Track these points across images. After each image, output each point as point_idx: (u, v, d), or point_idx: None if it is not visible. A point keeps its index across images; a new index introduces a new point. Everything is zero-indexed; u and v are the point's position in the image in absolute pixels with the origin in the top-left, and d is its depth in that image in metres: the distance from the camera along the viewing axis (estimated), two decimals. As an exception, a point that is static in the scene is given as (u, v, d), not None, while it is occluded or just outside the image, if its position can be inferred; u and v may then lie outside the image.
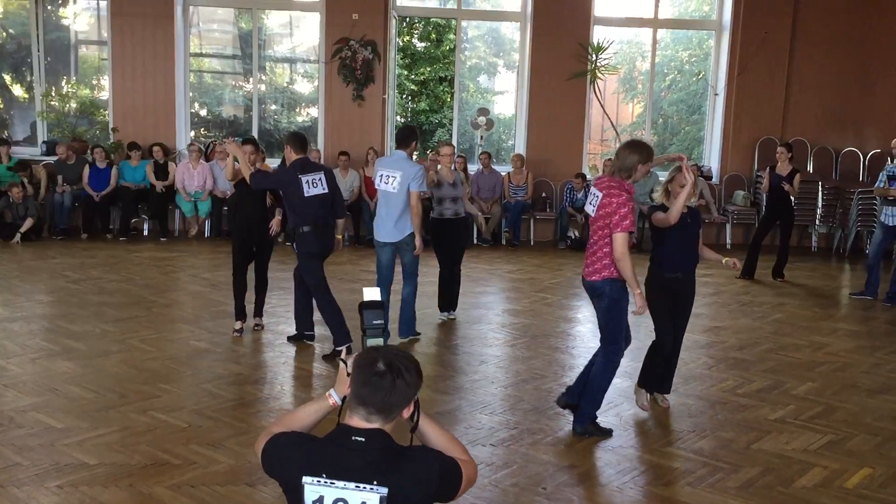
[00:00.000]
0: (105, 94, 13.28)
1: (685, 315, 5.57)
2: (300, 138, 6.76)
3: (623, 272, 4.87)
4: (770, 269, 10.26)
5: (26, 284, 8.72)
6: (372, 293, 2.76)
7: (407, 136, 6.88)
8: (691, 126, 16.64)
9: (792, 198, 10.04)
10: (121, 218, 11.88)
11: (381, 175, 6.81)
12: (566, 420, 5.33)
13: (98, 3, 13.84)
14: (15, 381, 5.69)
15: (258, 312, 7.35)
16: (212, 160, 12.28)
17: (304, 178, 6.58)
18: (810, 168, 12.95)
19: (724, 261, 5.48)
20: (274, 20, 14.40)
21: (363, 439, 2.31)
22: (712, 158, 13.49)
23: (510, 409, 5.53)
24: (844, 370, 6.61)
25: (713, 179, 13.21)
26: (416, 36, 18.13)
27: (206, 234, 12.27)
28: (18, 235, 11.05)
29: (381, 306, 2.74)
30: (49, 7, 13.38)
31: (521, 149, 13.19)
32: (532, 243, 12.63)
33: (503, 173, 12.71)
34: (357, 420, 2.35)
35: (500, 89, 18.40)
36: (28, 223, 11.10)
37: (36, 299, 8.13)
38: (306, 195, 6.56)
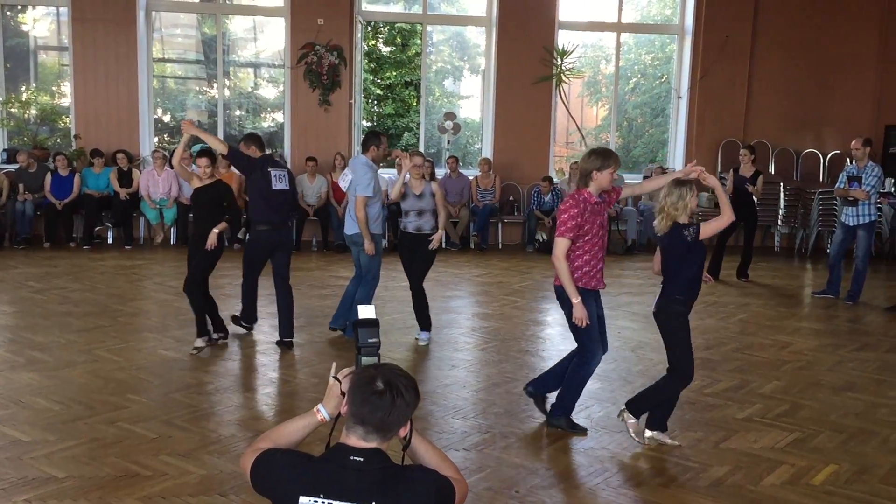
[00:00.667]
0: (66, 101, 13.11)
1: None
2: (259, 137, 7.05)
3: (559, 275, 4.98)
4: (735, 270, 10.42)
5: (-12, 295, 8.58)
6: (366, 311, 2.75)
7: (366, 140, 7.16)
8: (655, 129, 16.83)
9: (755, 199, 10.21)
10: (84, 226, 11.73)
11: (344, 175, 7.24)
12: (538, 423, 5.36)
13: (58, 9, 13.67)
14: (-22, 394, 5.59)
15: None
16: (176, 167, 12.14)
17: (272, 172, 6.78)
18: (772, 169, 13.16)
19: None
20: (238, 25, 14.32)
21: (362, 459, 2.30)
22: (676, 161, 13.65)
23: (482, 413, 5.55)
24: (809, 368, 6.73)
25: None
26: (381, 40, 18.13)
27: (172, 241, 12.15)
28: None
29: (376, 324, 2.73)
30: (8, 13, 13.17)
31: (488, 153, 13.25)
32: (500, 247, 12.68)
33: (471, 177, 12.75)
34: (354, 439, 2.34)
35: (466, 93, 18.48)
36: (-11, 230, 10.94)
37: (-2, 310, 8.01)
38: (273, 188, 6.74)
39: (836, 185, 9.65)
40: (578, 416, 5.47)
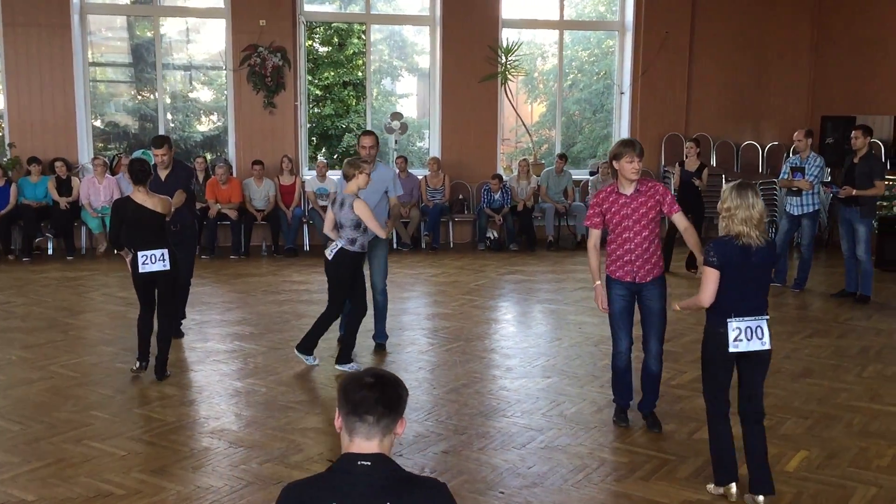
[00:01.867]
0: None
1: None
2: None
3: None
4: (684, 261, 10.61)
5: (-73, 313, 8.22)
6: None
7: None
8: (595, 124, 17.04)
9: (701, 191, 10.41)
10: (23, 237, 11.32)
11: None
12: (513, 423, 5.38)
13: None
14: (-69, 418, 5.35)
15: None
16: (118, 174, 11.84)
17: None
18: (713, 162, 13.44)
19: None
20: (171, 27, 13.98)
21: (369, 463, 2.28)
22: (621, 156, 13.81)
23: (455, 415, 5.53)
24: (767, 356, 6.88)
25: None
26: (318, 40, 17.94)
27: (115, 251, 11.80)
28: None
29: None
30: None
31: (435, 152, 13.23)
32: (451, 245, 12.68)
33: (419, 177, 12.72)
34: (358, 442, 2.31)
35: (403, 92, 18.45)
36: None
37: (-60, 328, 7.68)
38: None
39: (780, 176, 9.90)
40: (550, 414, 5.51)
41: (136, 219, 6.15)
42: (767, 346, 4.23)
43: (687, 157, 10.52)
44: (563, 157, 13.01)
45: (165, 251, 6.18)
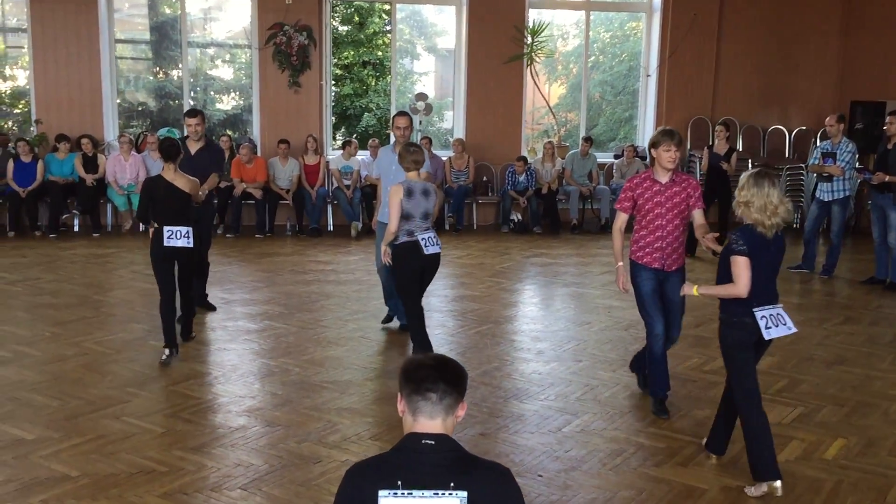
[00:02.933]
0: (17, 84, 12.68)
1: None
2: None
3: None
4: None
5: (-41, 288, 8.30)
6: None
7: None
8: (616, 107, 16.93)
9: (729, 175, 10.34)
10: (49, 214, 11.38)
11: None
12: (547, 406, 5.38)
13: None
14: (-29, 392, 5.41)
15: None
16: (143, 151, 11.87)
17: None
18: (740, 146, 13.33)
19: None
20: (196, 4, 13.94)
21: (433, 442, 2.30)
22: (645, 139, 13.71)
23: (489, 397, 5.54)
24: (798, 343, 6.84)
25: (648, 159, 13.46)
26: (337, 19, 17.88)
27: (141, 227, 11.85)
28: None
29: None
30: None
31: (459, 133, 13.19)
32: (475, 227, 12.66)
33: (444, 158, 12.69)
34: (422, 421, 2.33)
35: (421, 71, 18.39)
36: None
37: (-27, 303, 7.74)
38: None
39: (811, 162, 9.81)
40: (585, 399, 5.51)
41: (164, 196, 6.18)
42: (794, 329, 4.30)
43: (716, 141, 10.45)
44: (588, 139, 12.93)
45: (190, 229, 6.21)
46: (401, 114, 6.95)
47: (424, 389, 2.34)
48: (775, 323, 4.23)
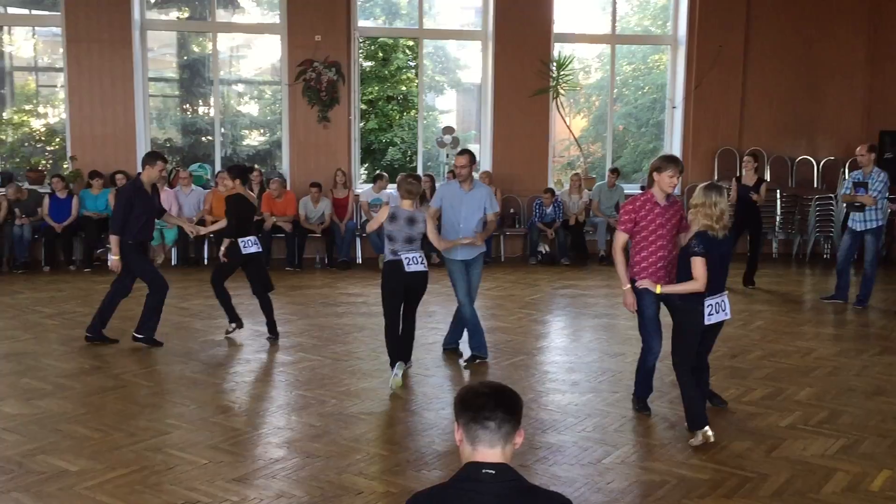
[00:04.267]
0: (52, 121, 12.94)
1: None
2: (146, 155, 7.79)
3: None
4: (741, 277, 10.49)
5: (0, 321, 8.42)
6: None
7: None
8: (640, 139, 16.99)
9: (759, 206, 10.32)
10: (84, 248, 11.55)
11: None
12: (585, 437, 5.36)
13: (34, 29, 13.51)
14: (14, 424, 5.47)
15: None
16: (175, 187, 12.05)
17: None
18: (767, 177, 13.29)
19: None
20: (223, 43, 14.21)
21: (493, 472, 2.31)
22: (673, 170, 13.73)
23: (527, 428, 5.50)
24: (837, 374, 6.79)
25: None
26: (362, 55, 18.14)
27: (173, 262, 12.01)
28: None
29: None
30: (-2, 34, 13.00)
31: (486, 166, 13.28)
32: (503, 259, 12.69)
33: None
34: (482, 450, 2.34)
35: (445, 107, 18.57)
36: (-12, 255, 10.76)
37: (13, 336, 7.84)
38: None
39: (843, 192, 9.78)
40: (622, 429, 5.49)
41: (247, 211, 7.63)
42: (729, 316, 5.28)
43: (744, 172, 10.44)
44: (615, 171, 12.97)
45: (257, 237, 7.73)
46: (461, 152, 7.11)
47: (483, 418, 2.36)
48: (717, 310, 5.13)
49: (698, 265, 4.99)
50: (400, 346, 6.51)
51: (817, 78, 13.45)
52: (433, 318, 8.48)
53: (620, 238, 5.60)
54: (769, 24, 13.25)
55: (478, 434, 2.36)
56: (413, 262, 6.41)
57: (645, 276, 5.44)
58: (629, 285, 5.54)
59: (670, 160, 5.48)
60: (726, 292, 5.19)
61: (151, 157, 7.58)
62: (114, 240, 7.37)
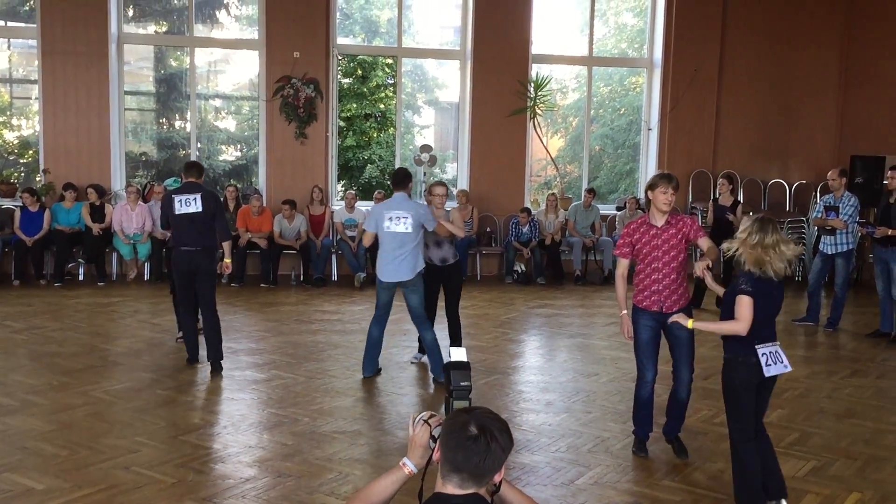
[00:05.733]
0: (25, 133, 12.82)
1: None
2: (185, 164, 7.48)
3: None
4: (715, 298, 10.56)
5: (-34, 336, 8.28)
6: (459, 353, 2.72)
7: (404, 178, 7.15)
8: (616, 160, 17.11)
9: (735, 227, 10.41)
10: (55, 263, 11.41)
11: (392, 217, 6.89)
12: (559, 457, 5.35)
13: (9, 41, 13.40)
14: (-21, 441, 5.37)
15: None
16: (150, 201, 11.95)
17: (175, 197, 7.18)
18: (740, 199, 13.44)
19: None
20: (202, 58, 14.16)
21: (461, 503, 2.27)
22: (648, 191, 13.84)
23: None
24: (808, 396, 6.85)
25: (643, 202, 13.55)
26: (341, 72, 18.15)
27: (146, 276, 11.89)
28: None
29: (468, 367, 2.69)
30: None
31: (463, 184, 13.31)
32: (479, 278, 12.70)
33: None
34: (451, 487, 2.30)
35: (422, 124, 18.61)
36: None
37: (-20, 352, 7.72)
38: (177, 213, 7.15)
39: (814, 215, 9.90)
40: (597, 451, 5.48)
41: None
42: (790, 368, 4.52)
43: (720, 194, 10.54)
44: (591, 191, 13.05)
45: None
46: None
47: (462, 469, 2.28)
48: (774, 360, 4.44)
49: (744, 305, 4.31)
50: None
51: (791, 101, 13.65)
52: (407, 337, 8.44)
53: (621, 264, 5.43)
54: (744, 48, 13.44)
55: (451, 477, 2.30)
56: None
57: (639, 298, 5.30)
58: (625, 311, 5.40)
59: (662, 177, 5.25)
60: (778, 342, 4.53)
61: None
62: (228, 245, 7.47)
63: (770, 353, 4.41)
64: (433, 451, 2.50)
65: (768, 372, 4.38)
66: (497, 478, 2.36)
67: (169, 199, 7.25)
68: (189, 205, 7.14)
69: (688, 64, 13.27)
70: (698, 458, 5.37)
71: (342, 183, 17.09)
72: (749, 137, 13.65)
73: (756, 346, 4.37)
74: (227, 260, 7.51)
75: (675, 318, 4.89)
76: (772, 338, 4.47)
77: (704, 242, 5.26)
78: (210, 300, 7.29)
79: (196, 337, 7.42)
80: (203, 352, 7.38)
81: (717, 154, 13.60)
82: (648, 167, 13.94)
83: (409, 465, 2.57)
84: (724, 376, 4.54)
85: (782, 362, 4.45)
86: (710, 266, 5.07)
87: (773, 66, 13.54)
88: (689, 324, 4.75)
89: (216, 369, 7.16)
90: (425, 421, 2.59)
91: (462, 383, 2.68)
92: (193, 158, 12.92)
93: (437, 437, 2.50)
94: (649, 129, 13.84)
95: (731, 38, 13.42)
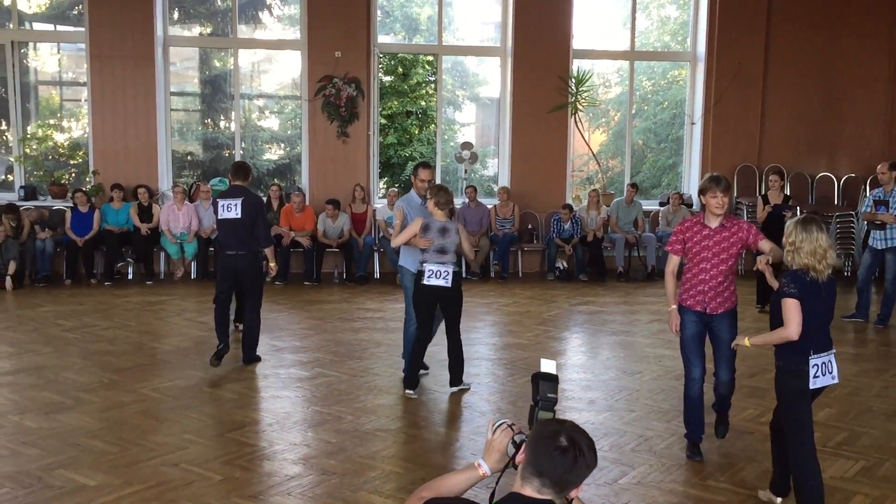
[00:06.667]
0: (75, 135, 13.12)
1: None
2: (233, 166, 7.62)
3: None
4: (755, 297, 10.40)
5: (21, 335, 8.49)
6: (548, 365, 2.74)
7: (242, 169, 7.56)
8: (659, 154, 16.92)
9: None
10: (105, 262, 11.66)
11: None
12: (601, 456, 5.33)
13: (59, 45, 13.70)
14: (34, 438, 5.53)
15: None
16: (196, 201, 12.15)
17: (220, 202, 7.35)
18: (787, 193, 13.23)
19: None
20: (245, 58, 14.33)
21: None
22: (692, 186, 13.70)
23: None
24: (857, 394, 6.73)
25: (694, 206, 13.42)
26: (382, 70, 18.22)
27: (193, 275, 12.09)
28: (9, 280, 10.80)
29: (556, 380, 2.72)
30: (23, 50, 13.18)
31: (504, 181, 13.29)
32: (520, 275, 12.68)
33: (489, 206, 12.78)
34: (530, 490, 2.33)
35: (464, 121, 18.60)
36: (12, 266, 10.86)
37: (34, 350, 7.91)
38: (220, 217, 7.34)
39: (863, 209, 9.70)
40: (639, 448, 5.45)
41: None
42: (837, 380, 4.40)
43: (770, 190, 10.34)
44: (633, 186, 12.94)
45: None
46: (425, 165, 7.11)
47: (546, 478, 2.30)
48: (823, 372, 4.30)
49: (791, 308, 4.19)
50: (416, 366, 6.69)
51: (838, 94, 13.39)
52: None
53: (672, 261, 5.42)
54: (789, 40, 13.20)
55: (533, 482, 2.31)
56: (435, 275, 6.44)
57: (684, 297, 5.30)
58: (674, 306, 5.37)
59: (712, 180, 5.17)
60: (834, 351, 4.38)
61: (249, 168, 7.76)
62: (271, 251, 7.62)
63: (822, 363, 4.28)
64: (513, 455, 2.53)
65: (814, 384, 4.25)
66: (574, 493, 2.37)
67: (214, 203, 7.47)
68: (230, 210, 7.27)
69: (732, 57, 13.08)
70: (744, 457, 5.32)
71: (384, 180, 17.18)
72: (795, 131, 13.42)
73: (811, 357, 4.23)
74: (272, 264, 7.67)
75: (734, 343, 5.01)
76: (828, 346, 4.33)
77: (766, 245, 5.15)
78: (254, 303, 7.49)
79: (226, 327, 7.50)
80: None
81: (762, 148, 13.39)
82: (692, 161, 13.79)
83: (484, 467, 2.61)
84: (778, 385, 4.39)
85: (831, 373, 4.32)
86: (770, 262, 4.98)
87: (820, 57, 13.28)
88: (747, 342, 4.63)
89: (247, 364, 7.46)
90: (509, 425, 2.61)
91: (549, 395, 2.69)
92: (238, 158, 13.11)
93: (518, 442, 2.53)
94: (693, 123, 13.69)
95: (776, 29, 13.19)
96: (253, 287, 7.47)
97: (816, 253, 4.20)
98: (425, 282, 6.46)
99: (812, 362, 4.23)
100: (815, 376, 4.24)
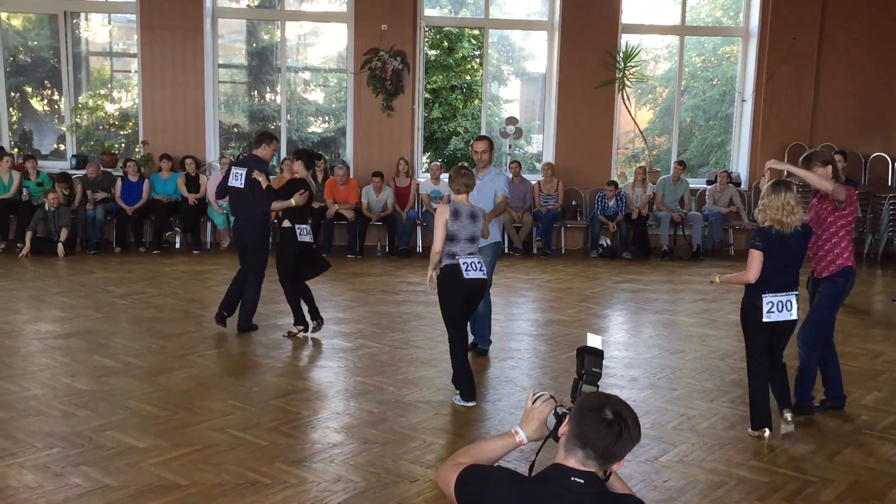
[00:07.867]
0: (125, 106, 13.31)
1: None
2: (257, 135, 7.72)
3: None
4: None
5: (72, 300, 8.70)
6: (595, 340, 2.73)
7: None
8: (707, 132, 16.65)
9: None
10: (153, 231, 11.87)
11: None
12: (643, 434, 5.30)
13: (110, 16, 13.88)
14: (85, 400, 5.67)
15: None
16: (242, 172, 12.24)
17: (232, 170, 7.47)
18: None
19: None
20: (290, 31, 14.37)
21: (582, 481, 2.30)
22: (741, 165, 13.49)
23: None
24: (906, 379, 6.61)
25: (742, 185, 13.21)
26: (427, 44, 18.13)
27: (238, 245, 12.22)
28: (61, 246, 11.04)
29: (601, 355, 2.71)
30: (74, 21, 13.37)
31: (549, 157, 13.21)
32: (563, 252, 12.63)
33: (533, 182, 12.72)
34: (573, 461, 2.33)
35: (508, 97, 18.48)
36: (64, 233, 11.10)
37: (85, 315, 8.10)
38: (228, 185, 7.47)
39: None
40: (681, 429, 5.43)
41: (308, 198, 7.41)
42: (794, 317, 5.14)
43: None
44: (681, 164, 12.77)
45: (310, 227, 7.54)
46: (480, 138, 7.04)
47: (590, 448, 2.31)
48: (778, 309, 5.07)
49: (753, 258, 5.06)
50: (470, 372, 5.90)
51: (892, 74, 13.01)
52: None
53: None
54: (844, 17, 12.85)
55: (577, 453, 2.32)
56: (472, 267, 5.79)
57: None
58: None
59: (810, 155, 5.65)
60: (796, 292, 5.08)
61: (270, 137, 7.64)
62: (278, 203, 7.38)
63: (777, 301, 5.04)
64: (556, 427, 2.52)
65: (768, 318, 5.04)
66: (616, 467, 2.37)
67: (228, 169, 7.59)
68: (236, 179, 7.37)
69: (785, 33, 12.78)
70: (787, 440, 5.26)
71: (427, 155, 17.18)
72: (849, 109, 13.10)
73: (763, 295, 5.03)
74: (291, 201, 7.27)
75: (710, 279, 5.70)
76: (790, 287, 5.07)
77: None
78: (255, 270, 7.49)
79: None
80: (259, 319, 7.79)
81: (814, 126, 13.10)
82: (742, 139, 13.56)
83: (521, 435, 2.61)
84: (741, 318, 5.29)
85: (788, 311, 5.06)
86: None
87: (876, 35, 12.91)
88: (717, 279, 5.41)
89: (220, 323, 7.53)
90: (552, 396, 2.61)
91: (594, 369, 2.68)
92: (284, 131, 13.21)
93: (560, 414, 2.52)
94: (743, 101, 13.44)
95: (831, 7, 12.85)
96: (255, 258, 7.48)
97: (784, 208, 4.95)
98: (466, 275, 5.76)
99: (766, 299, 5.03)
100: (769, 311, 5.04)
